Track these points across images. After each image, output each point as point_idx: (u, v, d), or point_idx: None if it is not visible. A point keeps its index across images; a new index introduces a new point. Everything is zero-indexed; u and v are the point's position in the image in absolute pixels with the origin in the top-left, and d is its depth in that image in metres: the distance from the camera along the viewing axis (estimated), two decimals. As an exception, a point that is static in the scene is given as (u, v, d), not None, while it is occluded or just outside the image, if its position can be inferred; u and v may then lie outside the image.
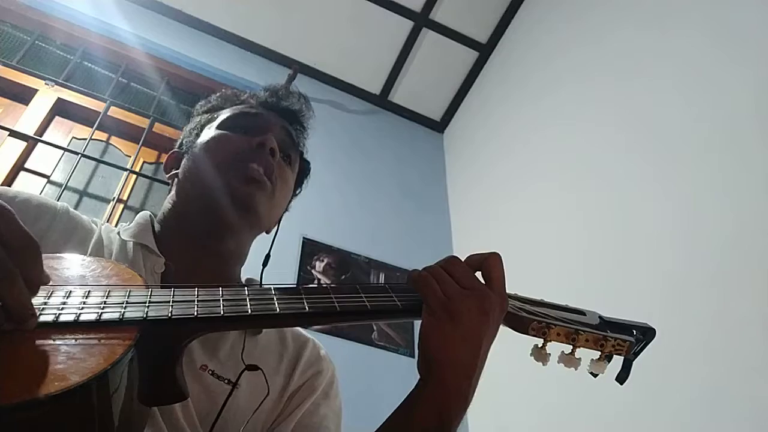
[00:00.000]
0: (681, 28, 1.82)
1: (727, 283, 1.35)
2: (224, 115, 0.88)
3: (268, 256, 0.82)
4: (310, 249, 2.40)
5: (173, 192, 0.86)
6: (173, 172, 0.88)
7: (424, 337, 0.61)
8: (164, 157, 1.81)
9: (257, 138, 0.82)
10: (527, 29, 2.86)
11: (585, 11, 2.41)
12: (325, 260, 2.41)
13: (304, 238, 2.41)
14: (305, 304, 0.58)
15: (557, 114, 2.35)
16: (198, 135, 0.88)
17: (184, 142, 0.91)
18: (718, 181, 1.48)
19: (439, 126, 3.35)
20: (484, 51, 3.09)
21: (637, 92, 1.92)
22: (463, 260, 0.67)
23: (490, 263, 0.65)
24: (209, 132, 0.86)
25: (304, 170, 0.96)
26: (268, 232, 0.88)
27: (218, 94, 0.96)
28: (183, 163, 0.87)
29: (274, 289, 0.59)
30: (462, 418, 0.62)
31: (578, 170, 2.08)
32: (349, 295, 0.61)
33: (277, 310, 0.56)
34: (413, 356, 2.26)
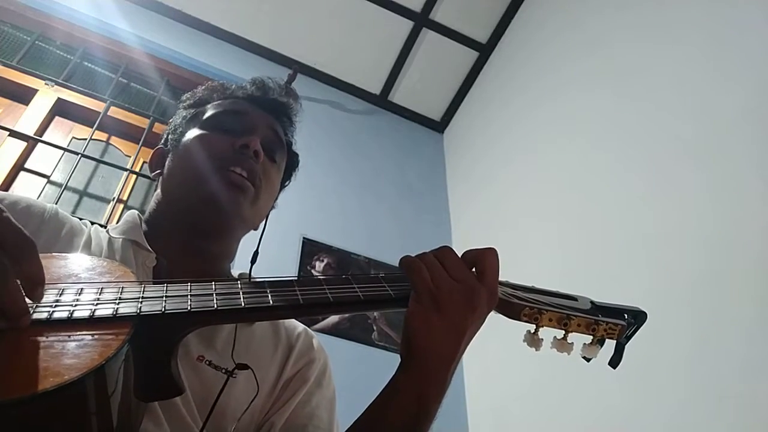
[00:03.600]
0: (682, 27, 1.82)
1: (722, 283, 1.35)
2: (209, 112, 0.87)
3: (256, 253, 0.82)
4: (310, 249, 2.40)
5: (159, 192, 0.85)
6: (158, 170, 0.87)
7: (408, 322, 0.61)
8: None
9: (241, 140, 0.81)
10: (527, 29, 2.86)
11: (585, 12, 2.41)
12: (325, 260, 2.41)
13: (304, 238, 2.41)
14: (298, 295, 0.58)
15: (557, 114, 2.35)
16: (182, 132, 0.87)
17: (168, 138, 0.89)
18: (711, 186, 1.49)
19: (439, 126, 3.35)
20: (484, 51, 3.09)
21: (637, 92, 1.92)
22: (460, 255, 0.67)
23: (485, 258, 0.65)
24: (193, 131, 0.85)
25: (292, 163, 0.95)
26: (255, 229, 0.88)
27: (204, 87, 0.94)
28: (167, 162, 0.86)
29: (267, 282, 0.60)
30: (440, 404, 0.63)
31: (578, 170, 2.08)
32: (342, 286, 0.61)
33: (271, 302, 0.56)
34: (413, 356, 2.25)
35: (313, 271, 2.34)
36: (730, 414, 1.23)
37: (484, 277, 0.63)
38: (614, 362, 0.66)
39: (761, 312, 1.24)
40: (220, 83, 0.94)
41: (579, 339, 0.65)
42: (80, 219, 0.81)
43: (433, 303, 0.60)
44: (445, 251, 0.65)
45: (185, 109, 0.92)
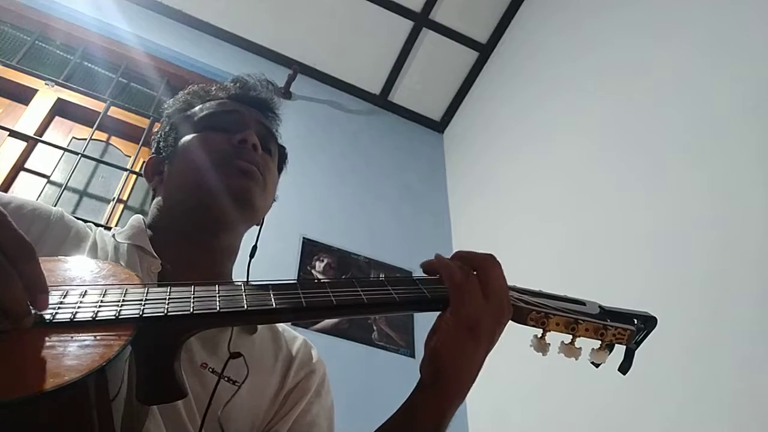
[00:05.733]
0: (681, 27, 1.82)
1: (721, 282, 1.35)
2: (199, 114, 0.88)
3: (254, 248, 0.82)
4: (310, 249, 2.40)
5: (160, 198, 0.85)
6: (156, 178, 0.88)
7: (440, 347, 0.61)
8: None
9: (238, 135, 0.82)
10: (527, 29, 2.86)
11: (585, 12, 2.41)
12: (325, 260, 2.41)
13: (304, 238, 2.41)
14: (302, 298, 0.58)
15: (557, 114, 2.35)
16: (176, 138, 0.87)
17: (161, 146, 0.90)
18: (711, 185, 1.49)
19: (439, 126, 3.35)
20: (484, 51, 3.09)
21: (636, 91, 1.92)
22: (462, 257, 0.66)
23: (493, 273, 0.63)
24: (188, 134, 0.85)
25: (281, 156, 0.96)
26: (258, 224, 0.89)
27: (186, 91, 0.95)
28: (166, 168, 0.87)
29: (271, 284, 0.59)
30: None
31: (578, 170, 2.08)
32: (346, 289, 0.61)
33: (274, 305, 0.56)
34: (413, 356, 2.26)
35: (313, 271, 2.34)
36: (729, 415, 1.23)
37: (497, 292, 0.63)
38: (624, 368, 0.65)
39: (761, 312, 1.24)
40: (200, 87, 0.95)
41: (587, 344, 0.65)
42: (85, 222, 0.82)
43: (471, 333, 0.60)
44: (489, 270, 0.63)
45: (170, 116, 0.92)
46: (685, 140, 1.64)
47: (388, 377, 2.11)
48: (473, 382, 0.63)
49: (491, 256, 0.66)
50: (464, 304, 0.61)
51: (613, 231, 1.79)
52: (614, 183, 1.87)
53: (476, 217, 2.72)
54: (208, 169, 0.79)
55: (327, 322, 2.19)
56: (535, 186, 2.31)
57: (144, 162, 2.49)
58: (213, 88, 0.93)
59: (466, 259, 0.66)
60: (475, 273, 0.64)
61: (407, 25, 3.01)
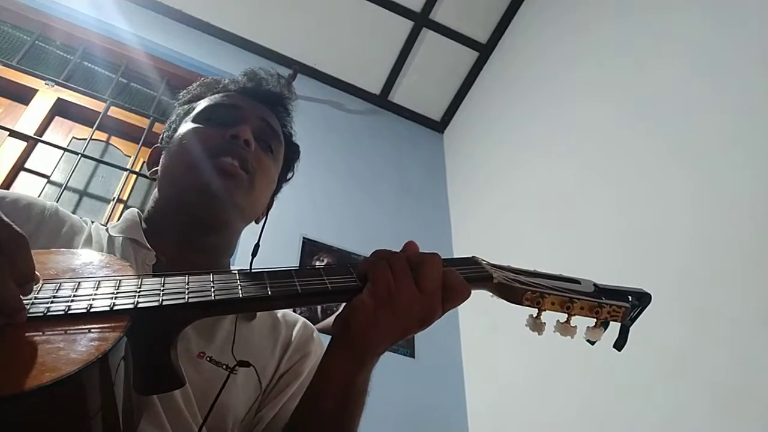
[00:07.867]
0: (681, 30, 1.82)
1: (720, 280, 1.35)
2: (201, 106, 0.87)
3: (257, 246, 0.81)
4: (310, 249, 2.39)
5: (156, 190, 0.85)
6: (154, 168, 0.87)
7: (355, 310, 0.59)
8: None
9: (230, 130, 0.81)
10: (527, 29, 2.86)
11: (585, 12, 2.41)
12: (325, 260, 2.41)
13: (304, 238, 2.41)
14: (297, 285, 0.58)
15: (558, 114, 2.35)
16: (176, 129, 0.87)
17: (163, 136, 0.90)
18: (712, 186, 1.49)
19: (439, 126, 3.35)
20: (484, 51, 3.09)
21: (640, 88, 1.92)
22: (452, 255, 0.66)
23: (428, 262, 0.61)
24: (185, 126, 0.85)
25: (293, 154, 0.94)
26: (257, 222, 0.88)
27: (198, 83, 0.94)
28: (161, 159, 0.86)
29: (266, 273, 0.59)
30: (369, 380, 0.65)
31: (578, 171, 2.08)
32: (341, 275, 0.61)
33: (269, 292, 0.56)
34: (413, 356, 2.25)
35: (313, 270, 2.34)
36: (723, 409, 1.23)
37: (444, 290, 0.61)
38: (619, 345, 0.66)
39: (760, 310, 1.23)
40: (213, 78, 0.94)
41: (583, 322, 0.65)
42: (80, 217, 0.81)
43: (389, 305, 0.58)
44: (427, 260, 0.61)
45: (180, 106, 0.92)
46: (685, 141, 1.63)
47: (388, 377, 2.10)
48: (386, 349, 0.62)
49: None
50: (381, 280, 0.59)
51: (615, 229, 1.79)
52: (615, 181, 1.87)
53: (476, 217, 2.71)
54: (192, 165, 0.78)
55: (327, 322, 2.19)
56: (536, 186, 2.31)
57: (144, 161, 2.50)
58: (225, 80, 0.93)
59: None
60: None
61: (407, 25, 3.01)
